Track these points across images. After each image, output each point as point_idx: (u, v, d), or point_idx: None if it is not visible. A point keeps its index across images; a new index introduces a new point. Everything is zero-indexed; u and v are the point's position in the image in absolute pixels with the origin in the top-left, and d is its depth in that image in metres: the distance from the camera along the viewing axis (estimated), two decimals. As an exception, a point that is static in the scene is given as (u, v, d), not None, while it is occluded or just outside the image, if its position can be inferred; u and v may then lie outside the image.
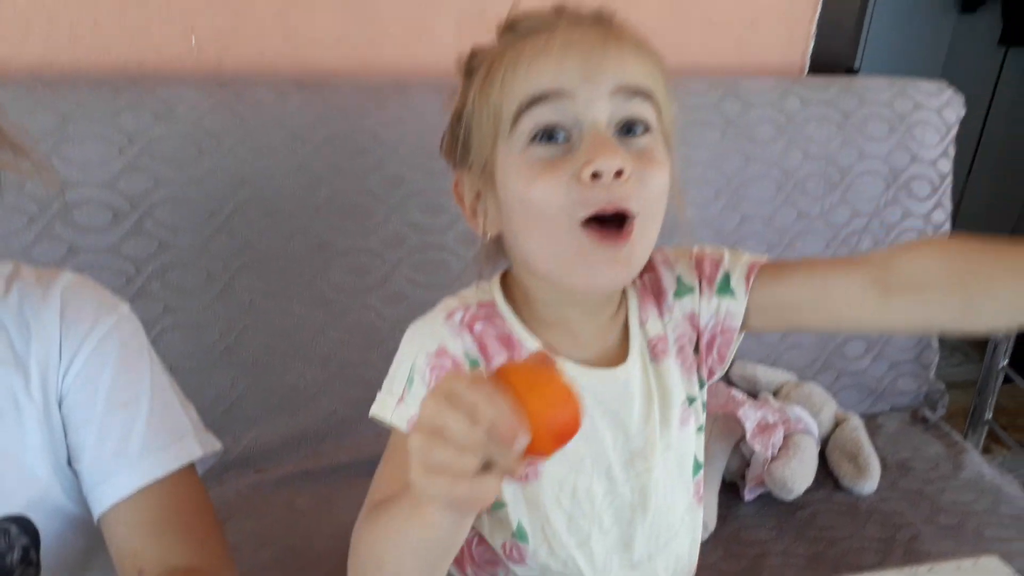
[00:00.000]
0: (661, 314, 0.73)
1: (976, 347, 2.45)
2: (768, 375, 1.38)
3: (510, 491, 0.70)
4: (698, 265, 0.73)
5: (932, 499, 1.27)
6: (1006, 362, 1.56)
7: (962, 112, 1.44)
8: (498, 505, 0.71)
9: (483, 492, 0.46)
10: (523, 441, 0.45)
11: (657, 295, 0.73)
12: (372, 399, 0.69)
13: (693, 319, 0.73)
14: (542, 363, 0.49)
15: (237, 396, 1.20)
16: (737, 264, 0.72)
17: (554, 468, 0.69)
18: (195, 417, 0.72)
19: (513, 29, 0.65)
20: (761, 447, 1.21)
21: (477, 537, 0.75)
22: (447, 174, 0.73)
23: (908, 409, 1.51)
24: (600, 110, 0.60)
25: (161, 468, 0.65)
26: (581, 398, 0.48)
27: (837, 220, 1.42)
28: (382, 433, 0.68)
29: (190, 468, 0.68)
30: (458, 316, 0.69)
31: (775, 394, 1.37)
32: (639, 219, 0.61)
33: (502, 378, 0.46)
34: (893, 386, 1.49)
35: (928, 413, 1.50)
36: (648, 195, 0.61)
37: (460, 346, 0.68)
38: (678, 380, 0.72)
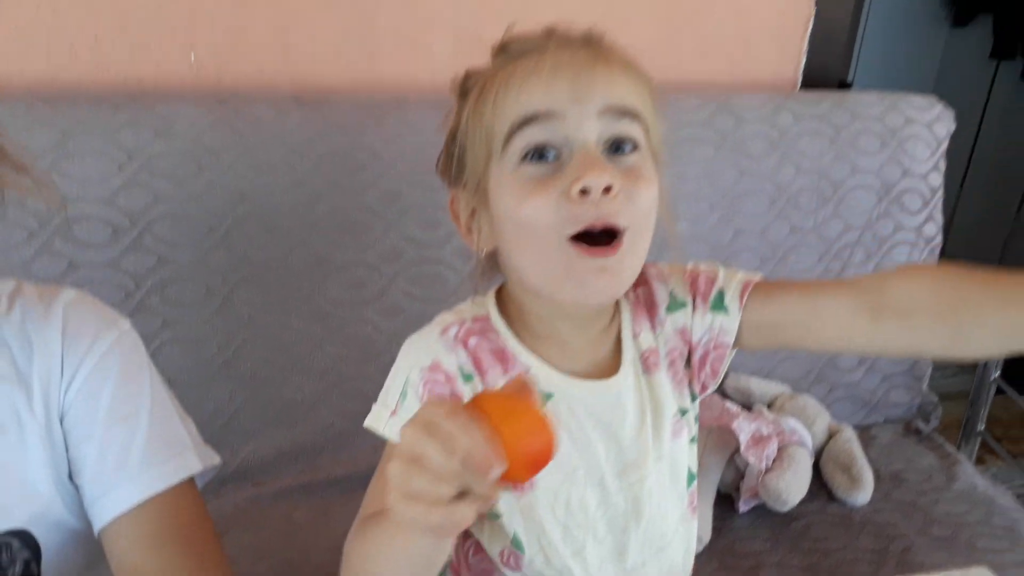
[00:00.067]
0: (653, 327, 0.74)
1: (970, 358, 2.46)
2: (762, 387, 1.39)
3: (505, 502, 0.71)
4: (692, 281, 0.74)
5: (925, 510, 1.27)
6: (998, 374, 1.57)
7: (952, 127, 1.46)
8: (493, 516, 0.72)
9: (458, 518, 0.47)
10: (498, 470, 0.46)
11: (650, 309, 0.74)
12: (369, 412, 0.70)
13: (684, 334, 0.74)
14: (519, 390, 0.51)
15: (235, 409, 1.21)
16: (731, 281, 0.73)
17: (549, 479, 0.70)
18: (194, 431, 0.73)
19: (505, 51, 0.66)
20: (755, 459, 1.22)
21: (474, 546, 0.76)
22: (444, 189, 0.74)
23: (901, 421, 1.52)
24: (589, 130, 0.62)
25: (161, 482, 0.66)
26: (555, 426, 0.49)
27: (830, 234, 1.43)
28: (379, 446, 0.69)
29: (190, 482, 0.69)
30: (453, 331, 0.70)
31: (769, 406, 1.38)
32: (628, 233, 0.62)
33: (478, 407, 0.48)
34: (886, 398, 1.50)
35: (921, 425, 1.51)
36: (636, 211, 0.63)
37: (454, 361, 0.69)
38: (670, 392, 0.73)
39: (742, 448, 1.22)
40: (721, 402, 1.31)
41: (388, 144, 1.22)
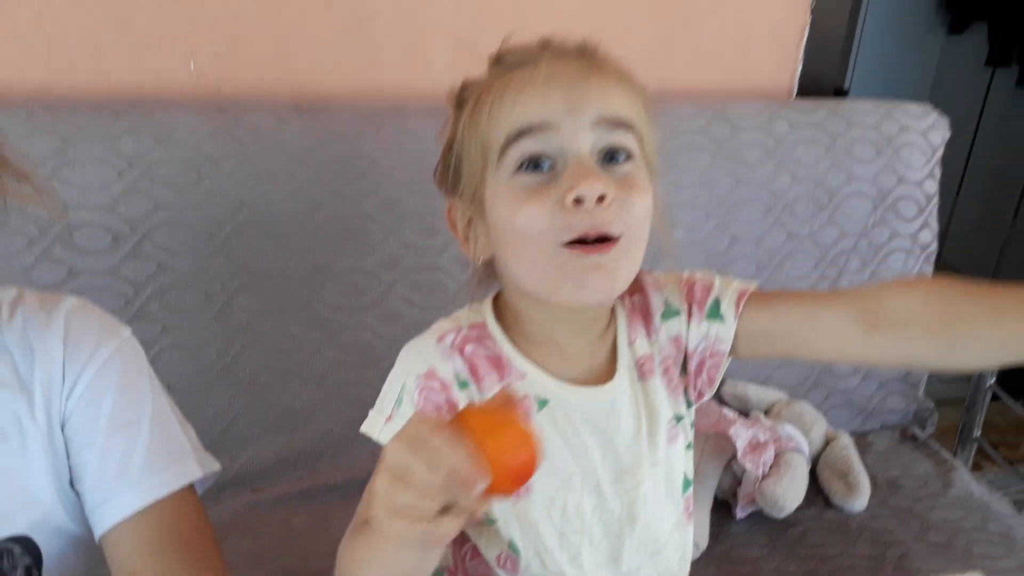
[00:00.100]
0: (649, 335, 0.74)
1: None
2: (759, 394, 1.40)
3: (501, 508, 0.72)
4: (689, 290, 0.75)
5: (922, 517, 1.28)
6: (993, 380, 1.58)
7: (947, 134, 1.47)
8: (490, 520, 0.73)
9: (443, 532, 0.48)
10: (481, 485, 0.47)
11: (645, 316, 0.75)
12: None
13: (678, 341, 0.75)
14: (503, 404, 0.52)
15: (234, 416, 1.21)
16: (727, 290, 0.74)
17: (545, 485, 0.71)
18: (194, 438, 0.73)
19: (501, 62, 0.67)
20: (752, 465, 1.22)
21: (471, 550, 0.76)
22: (442, 197, 0.74)
23: (898, 427, 1.53)
24: (583, 140, 0.63)
25: (162, 489, 0.66)
26: (539, 439, 0.50)
27: (826, 240, 1.44)
28: (378, 452, 0.69)
29: (190, 488, 0.70)
30: (449, 339, 0.71)
31: (766, 413, 1.39)
32: (623, 239, 0.63)
33: (463, 422, 0.49)
34: (883, 404, 1.51)
35: (918, 431, 1.51)
36: (630, 219, 0.63)
37: (450, 368, 0.70)
38: (664, 399, 0.74)
39: (739, 454, 1.22)
40: (718, 408, 1.32)
41: (387, 152, 1.23)
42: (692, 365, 0.75)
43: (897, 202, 1.44)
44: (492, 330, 0.72)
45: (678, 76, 1.48)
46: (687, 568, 0.82)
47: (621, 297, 0.75)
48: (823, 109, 1.44)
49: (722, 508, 1.27)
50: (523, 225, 0.63)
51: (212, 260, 1.17)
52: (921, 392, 1.53)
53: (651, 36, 1.45)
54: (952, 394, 1.79)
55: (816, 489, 1.31)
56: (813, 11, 1.52)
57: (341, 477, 1.23)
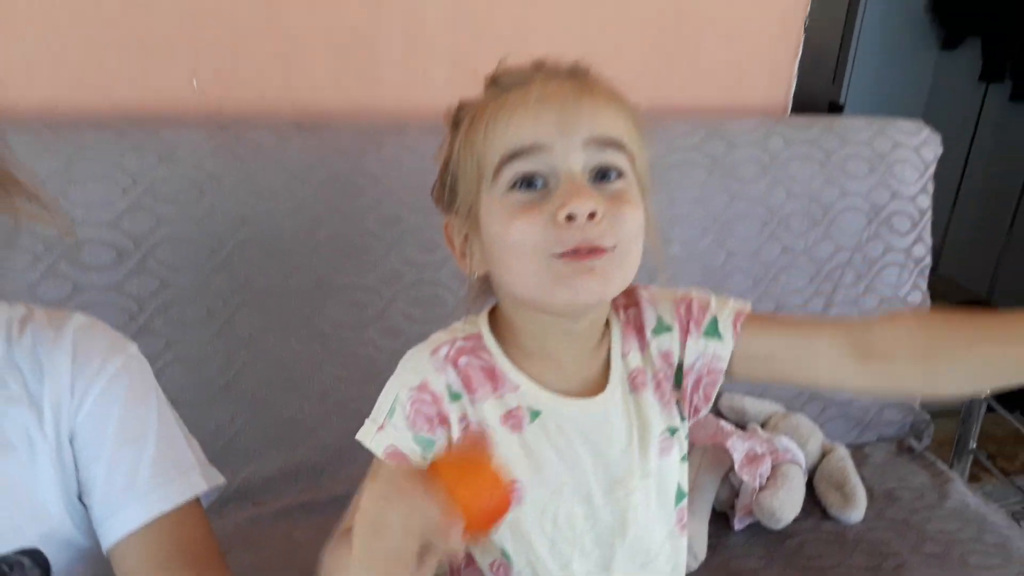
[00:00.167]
0: (642, 348, 0.76)
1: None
2: (756, 406, 1.41)
3: None
4: (686, 308, 0.76)
5: (918, 528, 1.29)
6: (988, 391, 1.59)
7: (940, 150, 1.49)
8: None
9: (422, 573, 0.51)
10: (457, 530, 0.50)
11: (639, 330, 0.76)
12: (368, 431, 0.72)
13: (668, 356, 0.76)
14: (475, 445, 0.55)
15: (236, 430, 1.22)
16: (724, 309, 0.75)
17: (536, 495, 0.72)
18: (199, 452, 0.74)
19: (496, 83, 0.68)
20: (749, 477, 1.23)
21: (465, 558, 0.77)
22: (441, 213, 0.76)
23: (894, 439, 1.54)
24: (575, 160, 0.64)
25: (168, 502, 0.68)
26: (510, 479, 0.53)
27: (820, 255, 1.45)
28: (377, 463, 0.71)
29: (195, 502, 0.71)
30: (443, 351, 0.72)
31: (763, 425, 1.40)
32: (615, 250, 0.64)
33: (435, 471, 0.52)
34: (879, 417, 1.52)
35: (914, 443, 1.53)
36: (622, 232, 0.64)
37: (443, 381, 0.71)
38: (657, 411, 0.75)
39: (736, 466, 1.23)
40: (716, 421, 1.33)
41: (388, 169, 1.25)
42: (688, 382, 0.76)
43: (891, 217, 1.46)
44: (487, 342, 0.74)
45: (674, 94, 1.50)
46: None
47: (616, 310, 0.76)
48: (817, 126, 1.45)
49: (720, 520, 1.27)
50: (516, 240, 0.64)
51: (214, 276, 1.19)
52: (917, 404, 1.55)
53: (647, 54, 1.47)
54: (948, 406, 1.80)
55: (813, 501, 1.32)
56: (807, 29, 1.54)
57: (342, 490, 1.23)
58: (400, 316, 1.27)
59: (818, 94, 1.62)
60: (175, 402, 0.76)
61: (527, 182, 0.64)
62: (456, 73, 1.36)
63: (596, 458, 0.73)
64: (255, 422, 1.23)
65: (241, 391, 1.22)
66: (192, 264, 1.18)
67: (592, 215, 0.62)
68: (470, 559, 0.77)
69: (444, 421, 0.71)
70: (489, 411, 0.71)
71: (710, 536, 1.22)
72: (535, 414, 0.71)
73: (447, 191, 0.72)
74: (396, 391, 0.71)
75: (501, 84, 0.68)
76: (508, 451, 0.71)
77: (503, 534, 0.73)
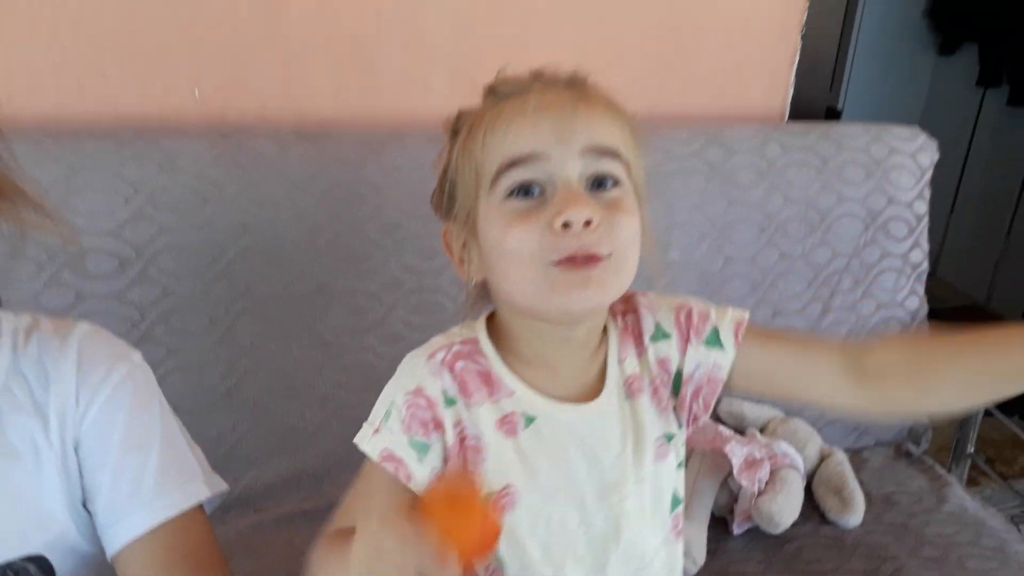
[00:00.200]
0: (639, 355, 0.76)
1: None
2: (755, 411, 1.42)
3: None
4: (686, 317, 0.76)
5: (916, 532, 1.30)
6: (981, 406, 1.60)
7: (936, 156, 1.50)
8: None
9: None
10: (451, 563, 0.52)
11: (637, 336, 0.76)
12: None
13: (665, 364, 0.76)
14: (463, 480, 0.57)
15: (238, 437, 1.23)
16: (724, 318, 0.75)
17: (529, 499, 0.72)
18: (203, 459, 0.75)
19: (494, 92, 0.69)
20: (748, 482, 1.24)
21: None
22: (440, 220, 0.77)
23: (892, 444, 1.54)
24: (571, 168, 0.65)
25: (172, 508, 0.68)
26: (497, 512, 0.57)
27: (818, 260, 1.46)
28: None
29: (199, 508, 0.71)
30: (440, 355, 0.73)
31: (762, 430, 1.40)
32: (611, 257, 0.65)
33: (426, 509, 0.54)
34: (877, 421, 1.53)
35: (912, 447, 1.53)
36: (618, 240, 0.65)
37: (438, 386, 0.72)
38: (653, 417, 0.75)
39: (735, 471, 1.24)
40: (714, 426, 1.33)
41: (388, 177, 1.25)
42: (688, 390, 0.76)
43: (887, 223, 1.47)
44: (484, 347, 0.74)
45: (673, 102, 1.51)
46: None
47: (614, 316, 0.76)
48: (814, 132, 1.47)
49: (719, 524, 1.28)
50: (513, 247, 0.65)
51: (216, 284, 1.19)
52: (915, 410, 1.55)
53: (646, 63, 1.48)
54: (946, 410, 1.80)
55: (811, 505, 1.33)
56: (803, 37, 1.55)
57: (343, 497, 1.25)
58: (400, 323, 1.28)
59: (815, 100, 1.64)
60: (176, 409, 0.76)
61: (524, 190, 0.65)
62: (455, 82, 1.37)
63: (590, 464, 0.73)
64: (256, 429, 1.24)
65: (242, 398, 1.23)
66: (193, 272, 1.18)
67: (588, 223, 0.63)
68: None
69: (439, 426, 0.71)
70: (484, 416, 0.72)
71: (709, 541, 1.23)
72: (530, 420, 0.72)
73: (446, 198, 0.72)
74: (393, 395, 0.72)
75: (499, 93, 0.69)
76: (502, 456, 0.72)
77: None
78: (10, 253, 0.69)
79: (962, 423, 1.65)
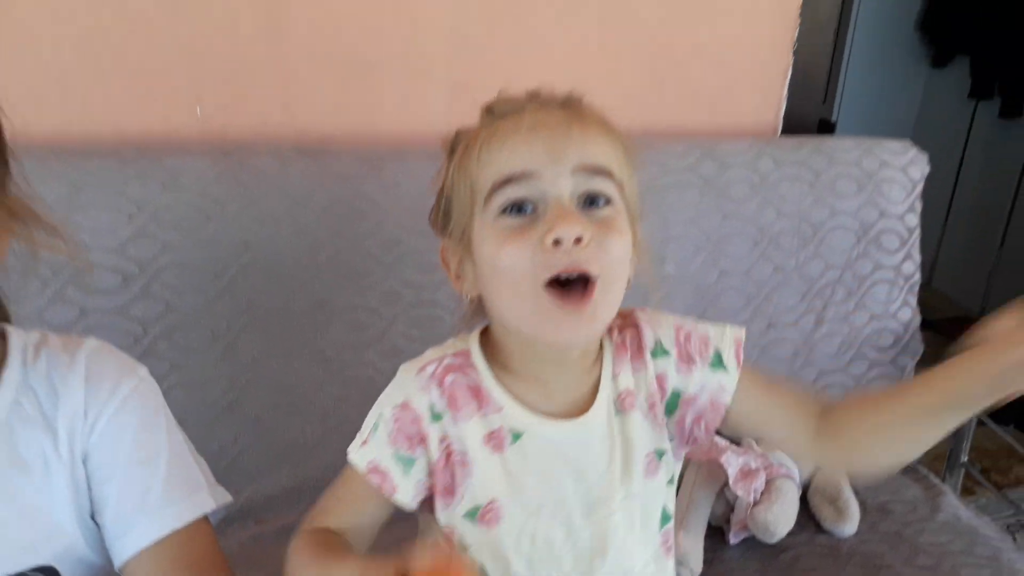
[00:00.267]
0: (635, 370, 0.76)
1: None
2: (750, 422, 1.43)
3: (472, 536, 0.74)
4: (686, 338, 0.77)
5: (911, 540, 1.30)
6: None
7: (927, 169, 1.52)
8: (462, 548, 0.75)
9: None
10: None
11: (635, 351, 0.77)
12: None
13: (662, 380, 0.76)
14: (446, 555, 0.57)
15: (239, 451, 1.24)
16: (724, 339, 0.77)
17: (513, 515, 0.73)
18: (207, 471, 0.77)
19: (491, 112, 0.71)
20: (744, 492, 1.24)
21: None
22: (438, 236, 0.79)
23: (887, 453, 1.55)
24: (563, 186, 0.66)
25: (178, 520, 0.70)
26: None
27: (811, 273, 1.48)
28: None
29: (204, 519, 0.73)
30: (430, 369, 0.74)
31: (757, 440, 1.41)
32: (600, 280, 0.66)
33: None
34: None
35: (906, 457, 1.54)
36: (608, 259, 0.66)
37: (426, 400, 0.73)
38: (645, 432, 0.76)
39: (731, 481, 1.25)
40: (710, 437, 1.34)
41: (387, 193, 1.27)
42: (687, 412, 0.77)
43: (879, 235, 1.49)
44: (475, 360, 0.75)
45: (667, 117, 1.53)
46: None
47: (610, 332, 0.77)
48: (807, 147, 1.49)
49: (716, 534, 1.29)
50: (506, 264, 0.66)
51: (218, 300, 1.21)
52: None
53: (640, 79, 1.50)
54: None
55: (807, 514, 1.34)
56: (795, 51, 1.57)
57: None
58: (400, 337, 1.29)
59: (809, 113, 1.66)
60: (179, 423, 0.77)
61: (517, 207, 0.66)
62: (455, 99, 1.39)
63: (577, 479, 0.74)
64: (258, 443, 1.25)
65: (244, 412, 1.24)
66: (196, 288, 1.20)
67: (579, 240, 0.64)
68: None
69: (423, 441, 0.73)
70: (471, 431, 0.73)
71: (706, 551, 1.23)
72: (516, 435, 0.73)
73: (442, 215, 0.74)
74: (382, 408, 0.74)
75: (496, 112, 0.70)
76: (488, 472, 0.72)
77: (482, 552, 0.74)
78: (22, 272, 0.71)
79: (955, 433, 1.66)
